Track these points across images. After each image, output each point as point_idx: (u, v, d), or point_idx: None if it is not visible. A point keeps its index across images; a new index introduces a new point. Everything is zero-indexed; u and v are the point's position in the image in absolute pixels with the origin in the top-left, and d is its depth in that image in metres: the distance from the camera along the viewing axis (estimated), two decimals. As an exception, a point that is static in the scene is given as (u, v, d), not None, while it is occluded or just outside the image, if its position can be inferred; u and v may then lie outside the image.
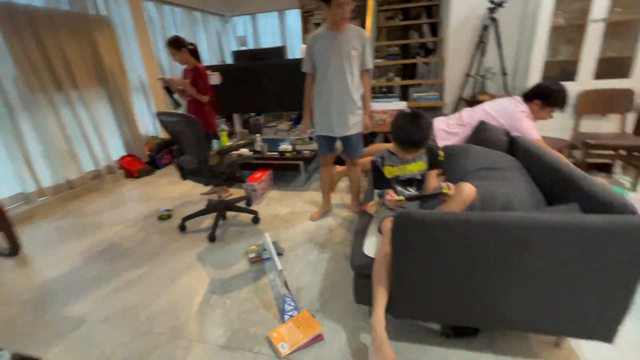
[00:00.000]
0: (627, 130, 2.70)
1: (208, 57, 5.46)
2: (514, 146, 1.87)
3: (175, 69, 4.71)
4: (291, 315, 1.50)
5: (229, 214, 2.65)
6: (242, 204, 2.76)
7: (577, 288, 1.06)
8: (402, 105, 3.17)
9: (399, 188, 1.57)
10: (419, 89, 3.90)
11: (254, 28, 6.20)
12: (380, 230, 1.48)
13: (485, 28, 2.88)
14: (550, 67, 2.85)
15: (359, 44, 1.97)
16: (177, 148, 2.30)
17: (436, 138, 2.18)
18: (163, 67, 4.54)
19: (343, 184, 3.07)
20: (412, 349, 1.32)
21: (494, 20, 2.80)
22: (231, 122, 4.20)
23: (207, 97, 2.71)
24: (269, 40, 6.17)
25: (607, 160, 2.85)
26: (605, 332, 1.10)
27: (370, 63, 2.04)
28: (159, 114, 2.11)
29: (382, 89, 4.26)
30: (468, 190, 1.33)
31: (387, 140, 3.48)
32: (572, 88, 2.74)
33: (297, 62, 3.07)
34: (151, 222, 2.61)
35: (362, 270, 1.35)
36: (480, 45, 2.94)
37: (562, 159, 1.83)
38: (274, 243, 2.07)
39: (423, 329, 1.41)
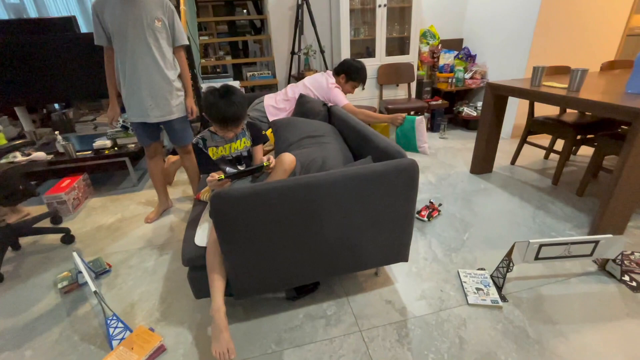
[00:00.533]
0: (412, 95, 3.47)
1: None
2: (330, 115, 2.09)
3: None
4: (122, 339, 1.27)
5: (25, 240, 2.01)
6: (46, 224, 2.14)
7: (378, 225, 1.27)
8: (235, 84, 3.07)
9: (228, 168, 1.50)
10: (253, 68, 3.88)
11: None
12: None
13: (299, 7, 3.05)
14: (357, 45, 3.31)
15: (162, 13, 1.72)
16: None
17: (267, 114, 2.22)
18: None
19: (184, 174, 2.80)
20: (262, 322, 1.34)
21: (305, 1, 2.99)
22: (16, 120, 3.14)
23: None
24: (58, 8, 4.81)
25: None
26: (402, 254, 1.39)
27: (184, 38, 1.82)
28: None
29: (216, 69, 4.04)
30: (288, 159, 1.39)
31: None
32: (373, 63, 3.28)
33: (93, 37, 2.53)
34: None
35: (195, 263, 1.24)
36: (298, 23, 3.11)
37: (372, 114, 2.18)
38: (95, 261, 1.69)
39: (271, 299, 1.45)
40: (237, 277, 1.21)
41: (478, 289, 1.42)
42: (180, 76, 1.91)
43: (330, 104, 2.17)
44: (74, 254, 1.51)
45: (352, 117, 1.86)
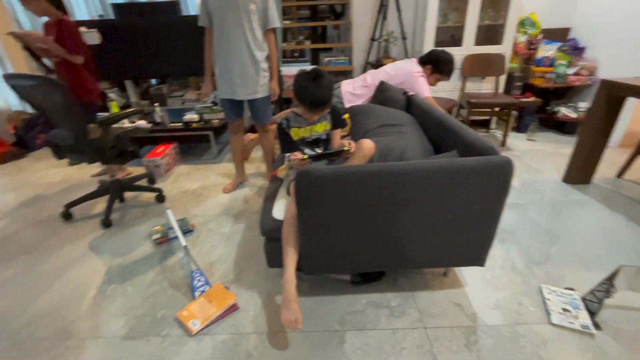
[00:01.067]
0: (500, 90, 3.15)
1: (87, 10, 4.51)
2: (410, 104, 2.01)
3: (38, 25, 3.79)
4: (202, 291, 1.42)
5: (128, 194, 2.34)
6: (144, 183, 2.47)
7: (458, 224, 1.21)
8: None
9: (306, 150, 1.55)
10: (330, 53, 3.89)
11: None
12: (289, 193, 1.46)
13: (385, -9, 2.95)
14: (442, 32, 3.10)
15: None
16: (44, 121, 1.88)
17: (343, 100, 2.22)
18: (20, 22, 3.60)
19: (259, 152, 2.96)
20: (325, 300, 1.39)
21: (392, -17, 2.88)
22: (126, 92, 3.63)
23: (81, 58, 2.23)
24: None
25: (486, 117, 3.32)
26: (479, 257, 1.31)
27: (275, 21, 1.89)
28: (7, 78, 1.66)
29: (293, 53, 4.14)
30: (367, 145, 1.38)
31: (300, 106, 3.44)
32: (459, 53, 3.04)
33: (194, 19, 2.74)
34: (22, 214, 2.16)
35: (272, 234, 1.32)
36: (382, 8, 3.02)
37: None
38: (182, 220, 1.90)
39: (335, 281, 1.48)
40: (309, 253, 1.26)
41: (565, 310, 1.27)
42: (268, 58, 2.00)
43: (410, 93, 2.09)
44: (168, 211, 1.72)
45: (435, 108, 1.77)
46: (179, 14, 3.09)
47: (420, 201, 1.15)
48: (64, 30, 2.15)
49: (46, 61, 3.17)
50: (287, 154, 1.64)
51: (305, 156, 1.30)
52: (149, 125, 2.86)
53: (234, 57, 1.87)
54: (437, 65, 2.16)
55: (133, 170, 2.72)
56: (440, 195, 1.14)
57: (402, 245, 1.25)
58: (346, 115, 2.08)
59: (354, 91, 2.25)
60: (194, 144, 3.14)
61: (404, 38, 3.04)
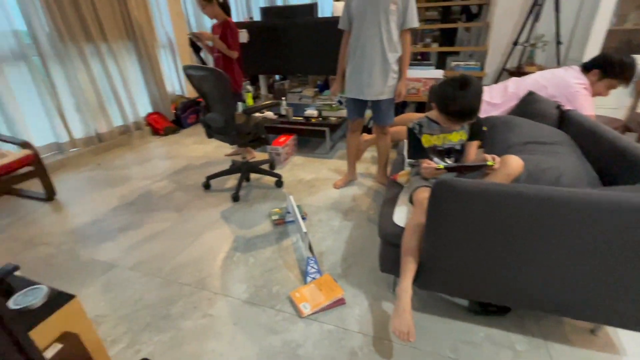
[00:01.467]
0: (693, 113, 2.42)
1: (235, 14, 5.27)
2: (565, 121, 1.71)
3: (203, 27, 4.59)
4: (314, 278, 1.50)
5: (253, 176, 2.64)
6: (265, 167, 2.74)
7: (626, 274, 0.97)
8: (438, 73, 2.96)
9: (436, 158, 1.47)
10: (457, 57, 3.62)
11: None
12: (411, 200, 1.41)
13: (542, -11, 2.56)
14: (615, 36, 2.54)
15: None
16: (204, 104, 2.25)
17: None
18: (191, 24, 4.42)
19: (369, 154, 2.97)
20: (438, 321, 1.30)
21: (554, -21, 2.48)
22: (256, 85, 4.10)
23: (236, 53, 2.61)
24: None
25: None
26: (653, 323, 1.02)
27: (414, 21, 1.85)
28: (187, 68, 2.05)
29: (416, 56, 4.00)
30: (515, 163, 1.23)
31: (418, 111, 3.31)
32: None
33: (328, 22, 2.89)
34: (176, 179, 2.65)
35: (391, 239, 1.30)
36: (535, 8, 2.64)
37: None
38: (298, 207, 2.05)
39: (449, 303, 1.37)
40: (429, 267, 1.20)
41: None
42: (399, 59, 1.96)
43: (565, 108, 1.77)
44: (291, 197, 1.87)
45: (603, 126, 1.46)
46: (315, 16, 3.31)
47: (583, 237, 0.96)
48: (227, 30, 2.54)
49: (203, 54, 3.81)
50: (410, 160, 1.59)
51: (441, 166, 1.23)
52: (275, 117, 3.16)
53: (366, 57, 1.90)
54: (609, 68, 1.75)
55: (258, 155, 3.05)
56: (615, 235, 0.93)
57: (541, 282, 1.07)
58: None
59: (490, 100, 2.04)
60: (311, 137, 3.33)
61: (559, 43, 2.60)
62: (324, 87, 4.75)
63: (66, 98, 2.99)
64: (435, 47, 3.48)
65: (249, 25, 3.25)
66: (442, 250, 1.14)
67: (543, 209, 0.95)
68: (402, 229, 1.28)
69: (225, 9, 2.64)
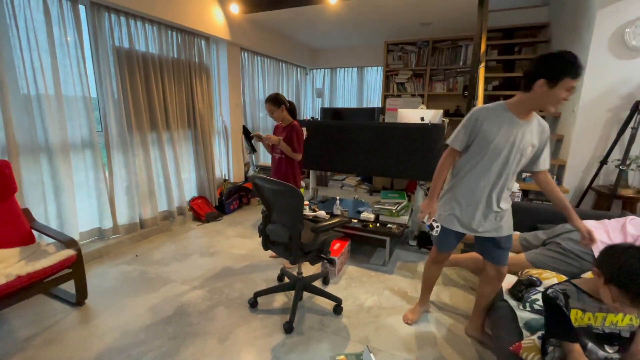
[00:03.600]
0: None
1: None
2: None
3: (255, 114, 4.79)
4: None
5: (305, 293, 2.28)
6: (318, 283, 2.40)
7: None
8: (514, 187, 2.69)
9: (590, 344, 1.09)
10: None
11: (332, 81, 6.30)
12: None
13: (637, 110, 2.38)
14: None
15: (538, 139, 1.53)
16: (265, 214, 2.04)
17: (594, 253, 1.67)
18: (246, 113, 4.62)
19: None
20: None
21: (648, 104, 2.32)
22: (304, 176, 4.02)
23: (300, 156, 2.53)
24: (345, 93, 6.21)
25: None
26: None
27: (547, 162, 1.60)
28: (255, 178, 1.90)
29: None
30: None
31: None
32: None
33: (388, 127, 2.81)
34: (218, 288, 2.33)
35: None
36: (630, 130, 2.43)
37: None
38: (367, 354, 1.62)
39: None
40: None
41: None
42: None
43: None
44: (372, 356, 1.47)
45: None
46: (376, 120, 3.30)
47: None
48: (293, 133, 2.49)
49: (253, 142, 3.79)
50: (552, 340, 1.18)
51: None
52: (327, 217, 2.93)
53: (484, 194, 1.60)
54: None
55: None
56: None
57: None
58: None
59: (609, 241, 1.69)
60: (369, 246, 3.01)
61: (660, 168, 2.31)
62: (366, 177, 4.62)
63: (119, 183, 2.94)
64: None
65: (309, 124, 3.24)
66: None
67: None
68: None
69: (292, 113, 2.65)
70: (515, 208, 2.29)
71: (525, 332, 1.39)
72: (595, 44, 2.65)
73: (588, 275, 1.48)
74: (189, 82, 3.51)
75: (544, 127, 1.53)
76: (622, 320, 1.06)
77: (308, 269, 2.59)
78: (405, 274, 2.57)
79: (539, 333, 1.29)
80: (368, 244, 3.05)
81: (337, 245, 2.65)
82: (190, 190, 3.77)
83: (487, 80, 4.01)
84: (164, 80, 3.21)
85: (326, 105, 6.37)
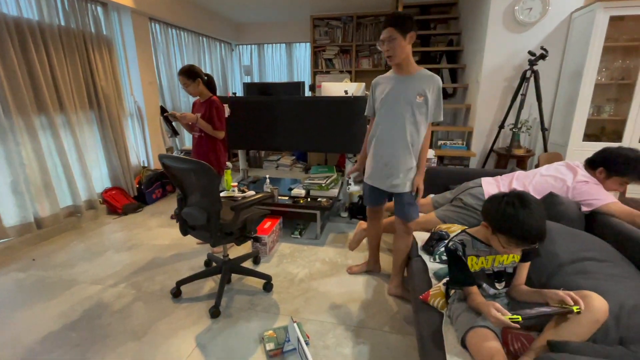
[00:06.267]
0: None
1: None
2: (594, 225, 1.57)
3: (174, 93, 4.38)
4: None
5: (234, 275, 2.20)
6: (248, 263, 2.33)
7: None
8: (430, 154, 2.89)
9: (485, 285, 1.21)
10: (440, 135, 3.68)
11: (260, 57, 6.03)
12: (464, 345, 1.10)
13: (524, 79, 2.69)
14: (592, 125, 2.67)
15: (427, 89, 1.63)
16: (180, 197, 1.88)
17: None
18: (164, 92, 4.19)
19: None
20: None
21: (534, 72, 2.63)
22: (234, 160, 3.83)
23: (222, 134, 2.36)
24: (275, 70, 6.00)
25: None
26: None
27: (439, 115, 1.71)
28: (163, 157, 1.71)
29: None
30: (600, 305, 0.98)
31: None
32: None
33: (316, 101, 2.78)
34: (136, 282, 2.12)
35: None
36: (520, 97, 2.75)
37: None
38: (299, 326, 1.62)
39: None
40: None
41: None
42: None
43: (586, 209, 1.66)
44: (294, 325, 1.46)
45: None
46: (302, 94, 3.23)
47: None
48: (213, 108, 2.31)
49: (174, 124, 3.47)
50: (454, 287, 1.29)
51: (520, 318, 0.95)
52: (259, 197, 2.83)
53: (387, 147, 1.73)
54: (613, 165, 1.67)
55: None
56: None
57: None
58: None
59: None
60: (299, 221, 2.99)
61: (544, 129, 2.67)
62: (301, 156, 4.59)
63: (1, 178, 2.45)
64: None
65: (232, 100, 3.05)
66: None
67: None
68: None
69: (211, 87, 2.44)
70: (431, 173, 2.47)
71: (434, 282, 1.50)
72: (492, 19, 2.90)
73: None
74: (85, 56, 3.01)
75: (432, 78, 1.64)
76: (507, 260, 1.20)
77: (238, 251, 2.50)
78: (337, 245, 2.63)
79: (444, 280, 1.40)
80: (302, 220, 3.05)
81: (268, 224, 2.60)
82: (101, 181, 3.33)
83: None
84: (49, 52, 2.70)
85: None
